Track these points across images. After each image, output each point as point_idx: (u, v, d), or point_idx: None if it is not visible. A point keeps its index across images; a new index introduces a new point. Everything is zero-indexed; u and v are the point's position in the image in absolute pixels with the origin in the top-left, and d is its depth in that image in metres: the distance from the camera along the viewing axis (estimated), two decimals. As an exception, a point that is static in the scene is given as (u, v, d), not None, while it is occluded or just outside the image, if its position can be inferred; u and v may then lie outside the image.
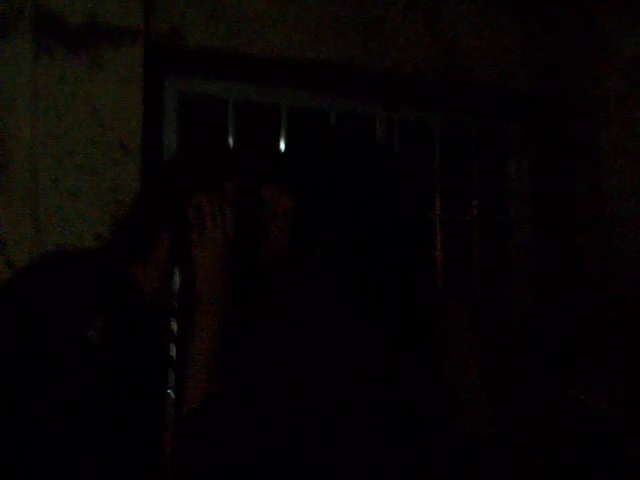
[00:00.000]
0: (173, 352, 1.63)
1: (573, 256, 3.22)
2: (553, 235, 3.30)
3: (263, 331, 1.51)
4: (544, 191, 3.35)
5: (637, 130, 3.12)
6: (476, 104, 3.26)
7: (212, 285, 1.53)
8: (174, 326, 1.64)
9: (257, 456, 1.38)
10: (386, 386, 1.41)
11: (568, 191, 3.28)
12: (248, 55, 2.66)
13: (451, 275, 3.25)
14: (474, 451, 1.41)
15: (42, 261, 1.64)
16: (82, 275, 1.57)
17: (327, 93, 2.97)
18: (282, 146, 2.90)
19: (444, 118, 3.28)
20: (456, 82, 3.05)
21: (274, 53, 2.69)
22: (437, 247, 3.25)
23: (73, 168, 2.36)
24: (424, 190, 3.25)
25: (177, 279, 1.67)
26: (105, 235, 1.64)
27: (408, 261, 1.57)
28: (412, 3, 2.93)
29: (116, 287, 1.59)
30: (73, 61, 2.39)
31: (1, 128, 2.29)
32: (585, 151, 3.24)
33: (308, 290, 1.52)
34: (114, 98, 2.43)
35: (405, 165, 1.67)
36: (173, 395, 1.61)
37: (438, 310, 1.55)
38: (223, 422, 1.41)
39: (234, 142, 2.82)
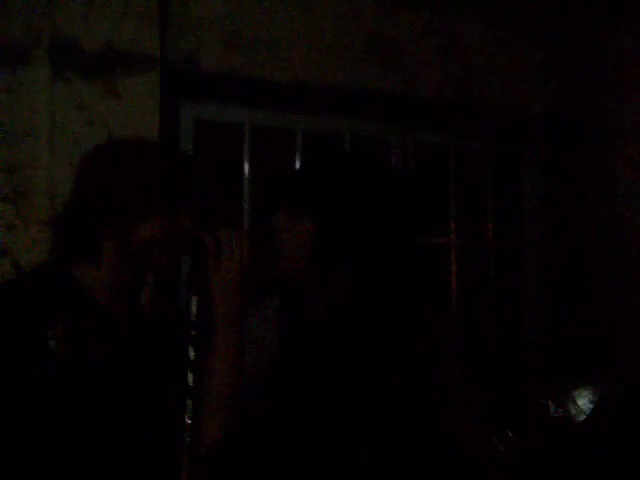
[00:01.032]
0: (190, 379, 1.63)
1: (588, 278, 3.20)
2: (568, 257, 3.29)
3: (284, 357, 1.51)
4: (559, 213, 3.35)
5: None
6: (491, 127, 3.26)
7: (229, 309, 1.54)
8: (191, 354, 1.64)
9: None
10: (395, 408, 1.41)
11: (583, 213, 3.27)
12: (263, 80, 2.67)
13: (466, 297, 3.24)
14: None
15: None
16: (33, 288, 1.58)
17: (342, 117, 2.98)
18: (295, 170, 2.90)
19: (458, 141, 3.28)
20: (471, 105, 3.05)
21: (289, 78, 2.70)
22: (452, 270, 3.24)
23: (90, 194, 2.36)
24: (437, 213, 3.25)
25: (194, 307, 1.67)
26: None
27: (423, 283, 1.58)
28: (427, 27, 2.94)
29: (63, 291, 1.58)
30: (89, 87, 2.40)
31: (20, 155, 2.30)
32: (600, 173, 3.23)
33: (329, 315, 1.52)
34: (130, 124, 2.43)
35: (419, 188, 1.68)
36: (190, 422, 1.60)
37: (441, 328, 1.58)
38: (250, 450, 1.40)
39: (249, 167, 2.84)
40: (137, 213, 1.57)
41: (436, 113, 3.09)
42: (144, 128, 2.44)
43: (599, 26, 3.19)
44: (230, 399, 1.51)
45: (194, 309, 1.66)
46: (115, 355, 1.60)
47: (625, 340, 3.06)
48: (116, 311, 1.63)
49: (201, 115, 2.77)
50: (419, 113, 3.07)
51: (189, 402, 1.62)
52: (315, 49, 2.74)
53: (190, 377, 1.63)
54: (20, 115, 2.33)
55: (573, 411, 1.66)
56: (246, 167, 2.82)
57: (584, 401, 1.72)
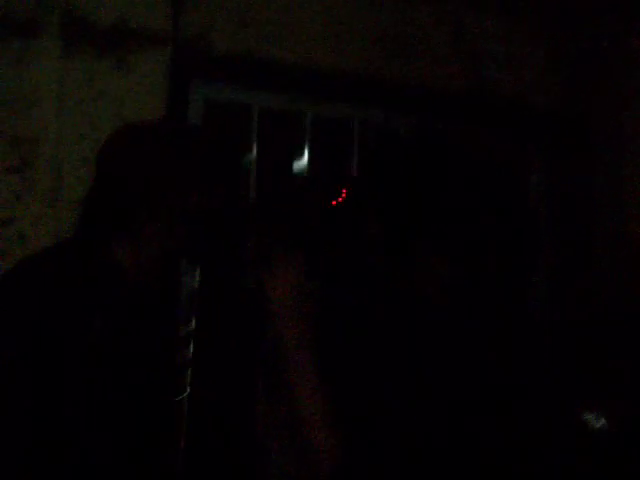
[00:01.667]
0: (191, 350, 1.63)
1: (593, 274, 3.19)
2: (573, 253, 3.28)
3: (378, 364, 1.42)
4: (565, 209, 3.33)
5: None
6: (498, 121, 3.25)
7: (295, 325, 1.44)
8: (193, 324, 1.64)
9: None
10: None
11: (589, 209, 3.26)
12: (275, 62, 2.66)
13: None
14: None
15: (31, 261, 1.64)
16: (73, 263, 1.57)
17: (352, 103, 2.96)
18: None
19: (467, 135, 3.26)
20: (478, 98, 3.05)
21: (301, 61, 2.69)
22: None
23: (96, 169, 2.35)
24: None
25: (197, 278, 1.67)
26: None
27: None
28: (437, 18, 2.94)
29: (101, 267, 1.58)
30: (100, 62, 2.40)
31: (28, 126, 2.30)
32: (607, 170, 3.22)
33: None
34: (140, 101, 2.43)
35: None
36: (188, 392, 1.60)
37: None
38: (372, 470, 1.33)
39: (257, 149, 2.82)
40: (180, 188, 1.60)
41: (443, 104, 3.08)
42: (153, 105, 2.44)
43: (607, 25, 3.18)
44: (333, 415, 1.38)
45: (197, 281, 1.66)
46: (146, 329, 1.60)
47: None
48: (148, 287, 1.64)
49: (211, 95, 2.74)
50: (426, 103, 3.05)
51: (189, 371, 1.62)
52: (327, 34, 2.74)
53: (191, 347, 1.63)
54: (29, 86, 2.33)
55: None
56: (254, 148, 2.81)
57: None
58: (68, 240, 1.72)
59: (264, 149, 2.82)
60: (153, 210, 1.60)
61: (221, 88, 2.76)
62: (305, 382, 1.39)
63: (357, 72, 2.80)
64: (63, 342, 1.46)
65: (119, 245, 1.61)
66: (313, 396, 1.38)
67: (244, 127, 2.80)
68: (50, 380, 1.46)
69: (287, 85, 2.81)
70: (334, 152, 2.96)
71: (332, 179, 1.66)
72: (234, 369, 1.75)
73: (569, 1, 3.10)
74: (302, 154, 2.87)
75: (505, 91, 3.07)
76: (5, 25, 2.31)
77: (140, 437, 1.57)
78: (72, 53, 2.37)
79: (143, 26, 2.44)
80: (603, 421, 1.62)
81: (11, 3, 2.32)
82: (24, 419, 1.46)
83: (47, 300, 1.48)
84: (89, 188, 1.69)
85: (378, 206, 1.45)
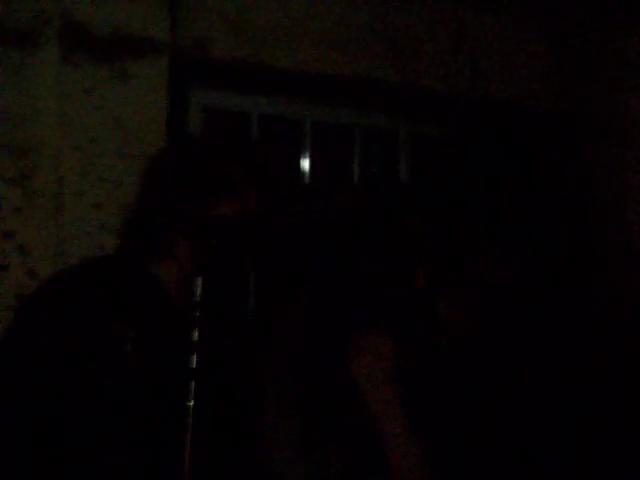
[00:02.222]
0: (194, 362, 1.61)
1: (591, 279, 3.16)
2: (571, 259, 3.25)
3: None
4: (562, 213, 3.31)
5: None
6: (497, 122, 3.23)
7: (383, 399, 1.43)
8: (195, 336, 1.62)
9: None
10: None
11: (587, 213, 3.23)
12: (273, 68, 2.66)
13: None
14: None
15: (66, 275, 1.63)
16: (106, 284, 1.56)
17: (350, 108, 2.95)
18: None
19: (465, 138, 3.24)
20: (477, 99, 3.03)
21: (298, 67, 2.68)
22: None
23: (97, 180, 2.34)
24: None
25: (199, 288, 1.65)
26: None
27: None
28: (437, 20, 2.93)
29: (139, 290, 1.58)
30: (98, 72, 2.38)
31: (27, 138, 2.28)
32: (606, 172, 3.19)
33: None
34: (139, 110, 2.42)
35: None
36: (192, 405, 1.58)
37: None
38: None
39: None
40: (213, 196, 1.58)
41: (444, 106, 3.07)
42: (152, 114, 2.43)
43: (607, 26, 3.17)
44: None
45: (198, 290, 1.64)
46: (181, 352, 1.59)
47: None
48: (184, 306, 1.62)
49: (210, 102, 2.74)
50: (426, 105, 3.04)
51: (192, 385, 1.59)
52: (325, 39, 2.73)
53: (194, 359, 1.60)
54: (28, 97, 2.31)
55: None
56: (255, 155, 2.79)
57: None
58: (110, 255, 1.71)
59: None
60: (187, 225, 1.59)
61: (220, 95, 2.76)
62: (398, 440, 1.38)
63: (355, 76, 2.79)
64: (94, 353, 1.46)
65: (159, 262, 1.60)
66: (408, 447, 1.37)
67: (244, 133, 2.79)
68: (78, 387, 1.45)
69: (286, 91, 2.80)
70: (335, 157, 2.95)
71: (336, 187, 1.65)
72: (237, 379, 1.73)
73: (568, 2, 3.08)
74: (303, 160, 2.87)
75: (503, 92, 3.06)
76: (2, 35, 2.30)
77: (155, 447, 1.56)
78: (70, 63, 2.35)
79: (141, 34, 2.43)
80: None
81: (8, 13, 2.30)
82: (52, 423, 1.46)
83: (80, 313, 1.47)
84: (138, 206, 1.67)
85: (430, 213, 1.41)
